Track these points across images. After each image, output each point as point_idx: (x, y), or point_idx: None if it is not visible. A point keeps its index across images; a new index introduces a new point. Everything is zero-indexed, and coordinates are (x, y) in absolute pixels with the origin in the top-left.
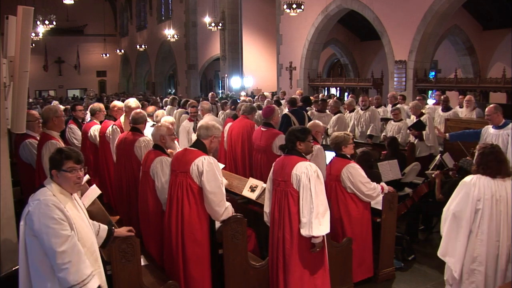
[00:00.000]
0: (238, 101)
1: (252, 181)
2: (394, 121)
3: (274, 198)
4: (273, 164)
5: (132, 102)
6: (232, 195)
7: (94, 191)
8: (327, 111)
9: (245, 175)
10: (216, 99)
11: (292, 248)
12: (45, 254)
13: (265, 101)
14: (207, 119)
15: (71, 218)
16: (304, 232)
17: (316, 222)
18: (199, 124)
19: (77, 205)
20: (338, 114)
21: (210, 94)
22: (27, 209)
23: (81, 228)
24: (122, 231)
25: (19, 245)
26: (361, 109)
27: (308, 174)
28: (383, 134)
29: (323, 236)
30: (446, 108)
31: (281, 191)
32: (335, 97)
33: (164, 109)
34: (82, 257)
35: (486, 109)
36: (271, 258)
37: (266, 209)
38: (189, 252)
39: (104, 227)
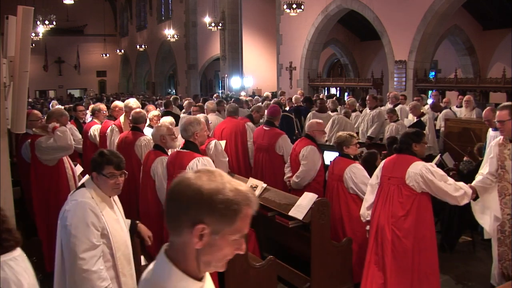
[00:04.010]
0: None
1: (252, 181)
2: (391, 121)
3: (380, 192)
4: (383, 162)
5: (133, 102)
6: None
7: None
8: (329, 111)
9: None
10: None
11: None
12: None
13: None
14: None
15: (106, 223)
16: (465, 201)
17: (462, 192)
18: (178, 127)
19: (114, 206)
20: (327, 113)
21: (215, 95)
22: (64, 208)
23: (116, 232)
24: (145, 232)
25: (56, 245)
26: (369, 108)
27: (431, 171)
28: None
29: (465, 191)
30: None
31: (390, 185)
32: (335, 97)
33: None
34: (100, 273)
35: (484, 113)
36: (371, 249)
37: (366, 203)
38: None
39: (127, 222)
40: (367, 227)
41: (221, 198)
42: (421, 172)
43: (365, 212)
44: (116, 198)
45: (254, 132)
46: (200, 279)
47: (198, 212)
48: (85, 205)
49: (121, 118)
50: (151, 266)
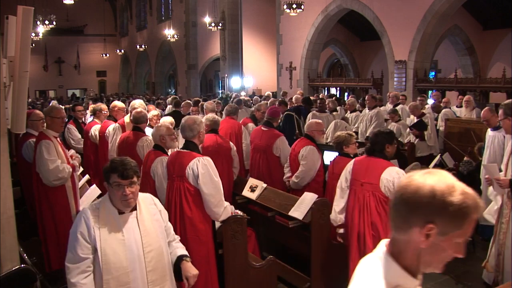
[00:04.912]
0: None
1: (252, 181)
2: (393, 121)
3: (354, 198)
4: (351, 164)
5: (138, 103)
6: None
7: (94, 191)
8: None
9: None
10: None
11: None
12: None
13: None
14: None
15: (100, 239)
16: None
17: None
18: (181, 126)
19: (128, 224)
20: (326, 113)
21: (235, 98)
22: None
23: (112, 253)
24: (185, 271)
25: None
26: (368, 108)
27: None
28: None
29: None
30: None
31: (364, 191)
32: (334, 97)
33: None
34: (79, 287)
35: (482, 113)
36: (354, 258)
37: (337, 207)
38: (194, 254)
39: (175, 253)
40: (341, 231)
41: (452, 200)
42: (394, 180)
43: (337, 216)
44: (143, 212)
45: (252, 132)
46: (417, 277)
47: (429, 212)
48: (82, 213)
49: (126, 118)
50: (367, 261)
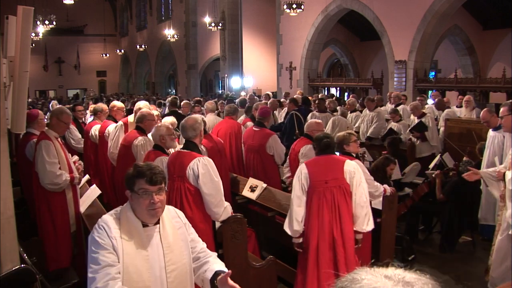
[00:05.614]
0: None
1: (252, 181)
2: (394, 121)
3: (318, 199)
4: (304, 169)
5: (143, 104)
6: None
7: (94, 191)
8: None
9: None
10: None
11: (345, 246)
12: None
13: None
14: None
15: (122, 253)
16: (358, 227)
17: (367, 218)
18: (181, 126)
19: (154, 238)
20: (327, 113)
21: (246, 96)
22: None
23: (135, 269)
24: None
25: None
26: (368, 109)
27: (359, 171)
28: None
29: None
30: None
31: (330, 188)
32: (334, 97)
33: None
34: None
35: (481, 115)
36: (328, 261)
37: (299, 217)
38: None
39: (212, 268)
40: (300, 240)
41: None
42: (355, 170)
43: (301, 228)
44: (166, 228)
45: (244, 133)
46: None
47: None
48: (100, 222)
49: (130, 118)
50: None
